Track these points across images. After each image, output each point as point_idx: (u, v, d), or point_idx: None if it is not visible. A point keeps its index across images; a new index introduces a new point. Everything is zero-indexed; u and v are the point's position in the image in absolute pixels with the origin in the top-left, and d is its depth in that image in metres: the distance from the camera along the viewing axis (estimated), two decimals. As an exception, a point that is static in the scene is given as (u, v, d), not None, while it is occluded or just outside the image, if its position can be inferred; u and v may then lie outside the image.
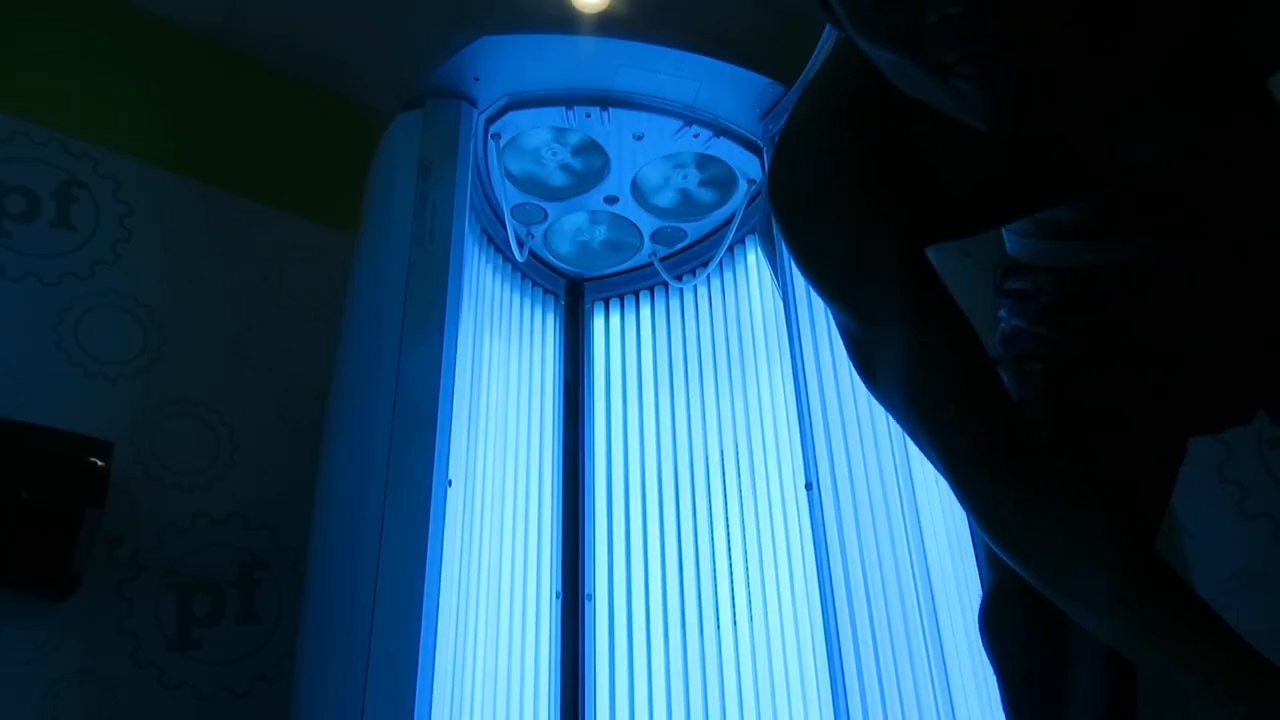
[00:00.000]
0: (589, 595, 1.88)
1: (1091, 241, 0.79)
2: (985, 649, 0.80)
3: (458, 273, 1.65)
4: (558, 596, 1.87)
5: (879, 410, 1.02)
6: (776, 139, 0.77)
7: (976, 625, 0.81)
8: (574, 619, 1.87)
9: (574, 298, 2.22)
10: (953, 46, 0.53)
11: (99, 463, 1.79)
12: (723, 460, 1.97)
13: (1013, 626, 0.76)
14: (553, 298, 2.18)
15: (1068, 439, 0.78)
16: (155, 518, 1.95)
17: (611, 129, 1.87)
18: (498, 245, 2.03)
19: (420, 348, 1.55)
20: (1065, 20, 0.54)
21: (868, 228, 0.68)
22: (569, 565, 1.90)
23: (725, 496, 1.93)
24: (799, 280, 1.67)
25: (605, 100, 1.84)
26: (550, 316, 2.17)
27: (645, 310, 2.19)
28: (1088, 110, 0.63)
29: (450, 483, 1.49)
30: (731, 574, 1.83)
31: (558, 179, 1.98)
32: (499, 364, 1.94)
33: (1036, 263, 0.85)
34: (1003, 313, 0.91)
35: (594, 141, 1.89)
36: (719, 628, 1.80)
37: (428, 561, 1.40)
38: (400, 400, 1.50)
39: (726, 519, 1.89)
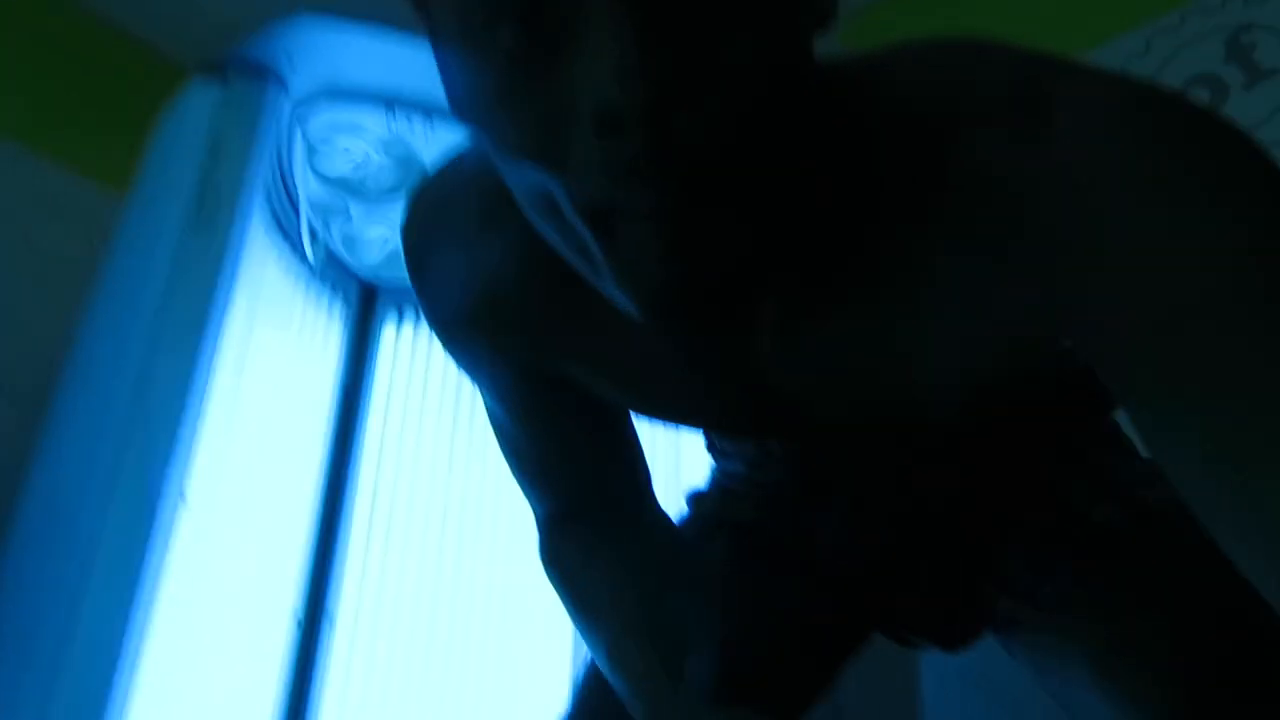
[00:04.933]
0: (330, 622, 1.77)
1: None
2: None
3: (233, 270, 1.51)
4: (299, 624, 1.75)
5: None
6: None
7: None
8: (310, 646, 1.76)
9: (367, 304, 2.10)
10: (614, 184, 0.41)
11: None
12: (499, 490, 1.92)
13: None
14: (343, 302, 2.06)
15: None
16: None
17: (434, 142, 1.77)
18: (289, 236, 1.88)
19: (176, 349, 1.40)
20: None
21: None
22: (315, 590, 1.79)
23: (493, 538, 1.88)
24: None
25: (432, 110, 1.74)
26: (338, 322, 2.04)
27: (441, 327, 2.10)
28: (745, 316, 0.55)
29: (184, 499, 1.36)
30: (482, 622, 1.78)
31: (367, 182, 1.87)
32: (272, 364, 1.80)
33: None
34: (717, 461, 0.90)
35: (412, 152, 1.79)
36: (463, 670, 1.74)
37: (139, 587, 1.26)
38: (141, 404, 1.35)
39: (489, 563, 1.84)
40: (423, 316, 0.71)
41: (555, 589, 0.73)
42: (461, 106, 0.45)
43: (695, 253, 0.43)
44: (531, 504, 0.75)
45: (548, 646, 1.70)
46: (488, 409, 0.74)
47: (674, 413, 0.68)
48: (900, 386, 0.56)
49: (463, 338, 0.68)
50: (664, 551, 0.74)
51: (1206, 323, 0.40)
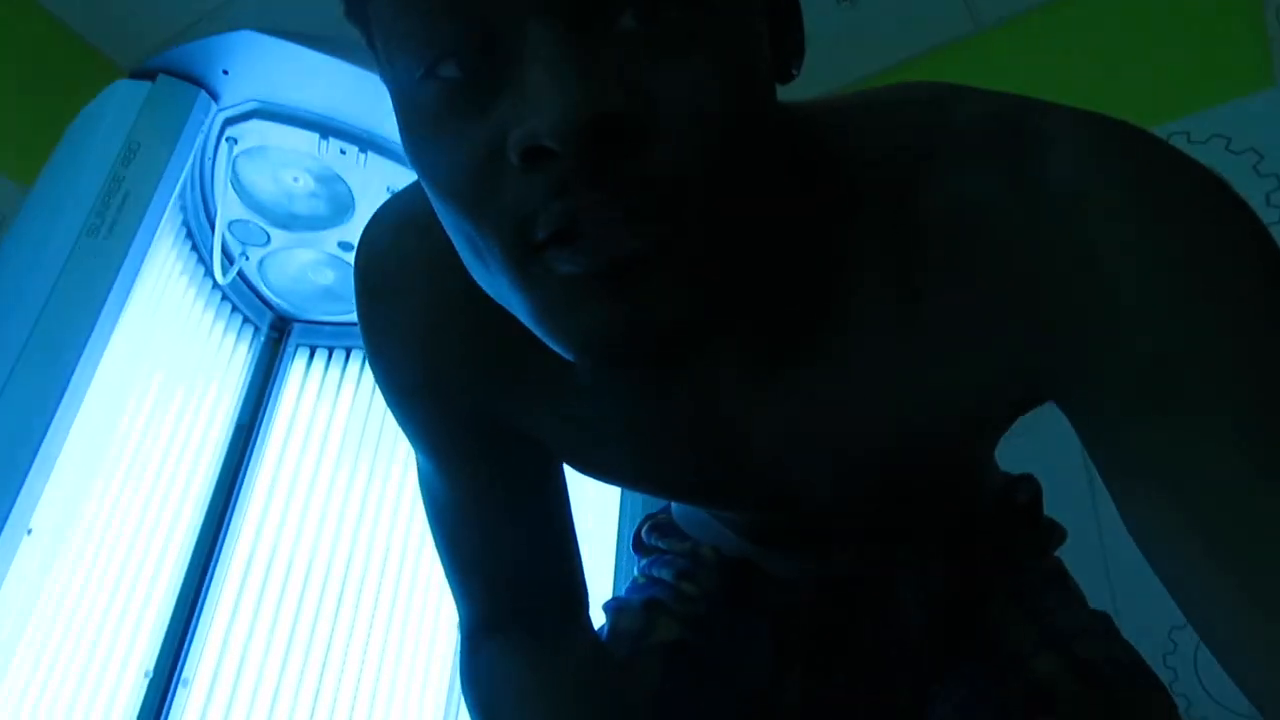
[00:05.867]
0: (184, 681, 1.60)
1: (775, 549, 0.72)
2: None
3: (128, 281, 1.38)
4: (148, 676, 1.58)
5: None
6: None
7: None
8: (160, 704, 1.58)
9: (278, 335, 1.98)
10: (552, 207, 0.37)
11: None
12: (388, 553, 1.79)
13: None
14: (252, 329, 1.93)
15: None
16: None
17: (366, 175, 1.68)
18: (203, 256, 1.76)
19: (50, 359, 1.26)
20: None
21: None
22: (172, 643, 1.62)
23: (378, 594, 1.75)
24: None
25: (366, 142, 1.66)
26: (245, 349, 1.91)
27: (353, 369, 1.99)
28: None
29: (30, 531, 1.21)
30: (357, 691, 1.63)
31: (292, 208, 1.76)
32: (161, 387, 1.65)
33: (696, 535, 0.78)
34: (642, 563, 0.84)
35: (342, 182, 1.70)
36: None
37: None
38: (-2, 415, 1.21)
39: (371, 623, 1.70)
40: (376, 382, 0.62)
41: (472, 715, 0.67)
42: (401, 135, 0.42)
43: (641, 291, 0.38)
44: (459, 606, 0.69)
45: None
46: (427, 489, 0.67)
47: (630, 476, 0.62)
48: (867, 446, 0.51)
49: (417, 398, 0.61)
50: (592, 679, 0.67)
51: (1220, 403, 0.37)
